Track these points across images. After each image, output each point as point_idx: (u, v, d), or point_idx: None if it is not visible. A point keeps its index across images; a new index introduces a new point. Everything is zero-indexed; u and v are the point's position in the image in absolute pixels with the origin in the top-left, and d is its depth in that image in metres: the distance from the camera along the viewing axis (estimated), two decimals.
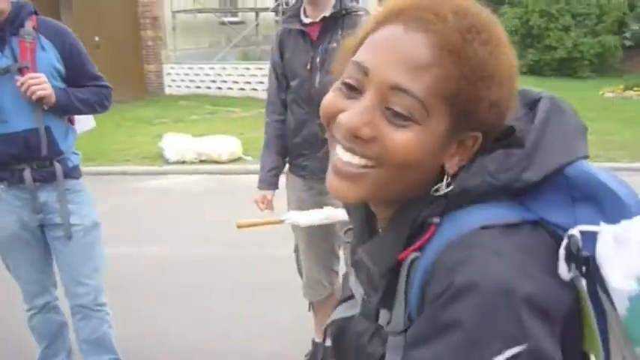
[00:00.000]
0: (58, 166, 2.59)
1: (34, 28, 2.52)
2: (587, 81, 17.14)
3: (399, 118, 0.78)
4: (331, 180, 0.85)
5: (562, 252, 0.76)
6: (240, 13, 18.33)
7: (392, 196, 0.85)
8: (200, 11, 16.54)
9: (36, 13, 2.57)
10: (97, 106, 2.68)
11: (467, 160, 0.84)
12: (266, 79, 12.51)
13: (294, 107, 2.78)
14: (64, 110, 2.59)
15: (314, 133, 2.67)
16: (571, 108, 0.88)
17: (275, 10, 17.79)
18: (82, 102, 2.61)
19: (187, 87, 15.64)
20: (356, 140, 0.80)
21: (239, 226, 2.56)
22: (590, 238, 0.76)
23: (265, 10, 17.71)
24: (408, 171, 0.81)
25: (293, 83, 2.79)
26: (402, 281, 0.83)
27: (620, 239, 0.75)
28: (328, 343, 1.20)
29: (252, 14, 17.87)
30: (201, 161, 8.03)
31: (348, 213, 1.03)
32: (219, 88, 15.06)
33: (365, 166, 0.82)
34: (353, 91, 0.82)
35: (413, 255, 0.82)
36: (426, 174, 0.83)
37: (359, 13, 2.72)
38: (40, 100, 2.46)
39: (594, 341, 0.79)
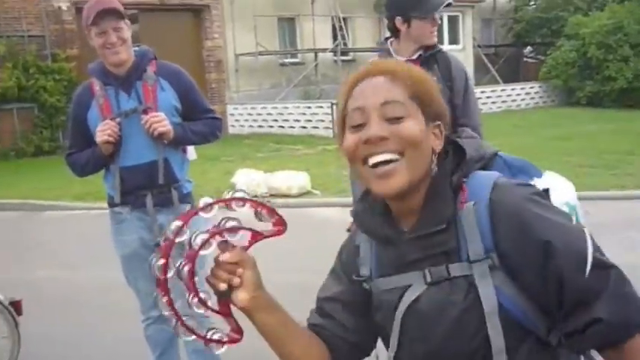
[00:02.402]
0: (174, 193, 2.94)
1: (154, 72, 2.90)
2: None
3: (396, 120, 1.18)
4: (377, 186, 1.20)
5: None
6: (299, 55, 18.94)
7: (418, 178, 1.21)
8: (262, 54, 17.18)
9: (155, 58, 2.96)
10: (210, 136, 3.04)
11: (442, 144, 1.25)
12: (326, 117, 12.86)
13: None
14: (181, 143, 2.96)
15: None
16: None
17: (333, 51, 18.34)
18: (196, 134, 2.97)
19: (250, 126, 16.20)
20: (381, 142, 1.17)
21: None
22: None
23: (324, 50, 18.26)
24: (419, 149, 1.19)
25: None
26: (468, 222, 1.18)
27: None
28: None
29: (312, 55, 18.44)
30: (272, 195, 8.41)
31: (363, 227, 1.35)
32: (282, 126, 15.56)
33: (393, 160, 1.17)
34: (360, 127, 1.20)
35: (470, 203, 1.19)
36: (428, 154, 1.22)
37: (443, 50, 3.01)
38: (161, 135, 2.83)
39: None
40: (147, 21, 15.67)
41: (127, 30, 2.82)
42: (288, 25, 18.96)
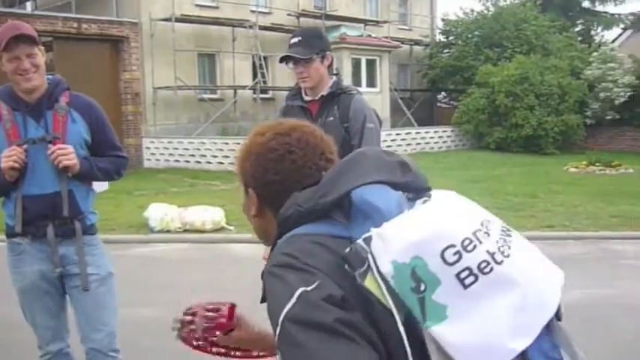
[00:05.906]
0: (77, 224, 2.85)
1: (67, 103, 2.83)
2: (552, 157, 17.91)
3: None
4: None
5: (344, 262, 1.09)
6: (218, 91, 18.93)
7: (260, 238, 1.49)
8: (180, 88, 17.06)
9: (68, 88, 2.90)
10: (114, 174, 3.00)
11: (258, 205, 1.36)
12: None
13: None
14: (86, 177, 2.89)
15: None
16: (377, 152, 1.24)
17: (253, 88, 18.43)
18: (102, 170, 2.92)
19: (166, 160, 15.96)
20: None
21: None
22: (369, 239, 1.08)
23: (243, 87, 18.34)
24: (248, 219, 1.42)
25: None
26: None
27: (381, 235, 1.08)
28: None
29: (231, 92, 18.49)
30: (185, 230, 8.28)
31: None
32: (198, 162, 15.42)
33: None
34: None
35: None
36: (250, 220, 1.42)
37: (352, 92, 3.13)
38: (66, 168, 2.76)
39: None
40: (62, 49, 15.30)
41: (40, 56, 2.75)
42: (208, 60, 18.97)
